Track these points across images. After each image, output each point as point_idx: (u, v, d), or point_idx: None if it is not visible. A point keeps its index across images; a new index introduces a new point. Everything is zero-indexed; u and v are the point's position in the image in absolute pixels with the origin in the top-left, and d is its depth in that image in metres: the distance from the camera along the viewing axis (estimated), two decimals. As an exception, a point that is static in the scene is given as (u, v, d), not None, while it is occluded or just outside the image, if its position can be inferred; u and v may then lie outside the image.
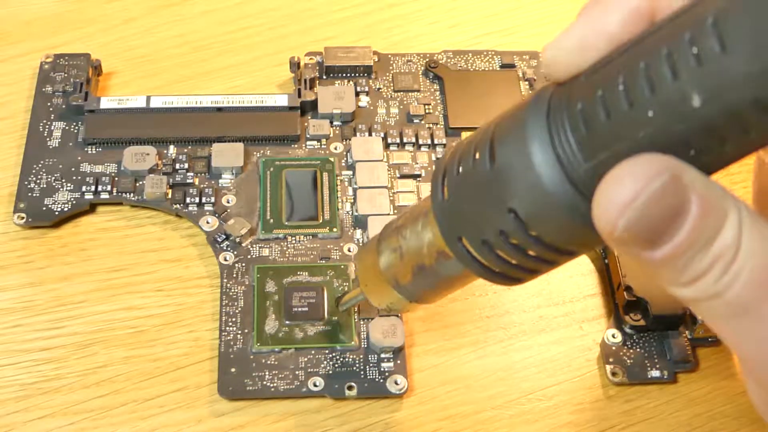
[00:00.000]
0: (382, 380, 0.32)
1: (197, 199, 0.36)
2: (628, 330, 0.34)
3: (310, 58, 0.41)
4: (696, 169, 0.17)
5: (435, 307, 0.35)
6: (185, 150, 0.38)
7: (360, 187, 0.37)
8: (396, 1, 0.45)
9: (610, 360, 0.33)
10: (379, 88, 0.41)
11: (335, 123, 0.39)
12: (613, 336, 0.34)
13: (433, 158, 0.38)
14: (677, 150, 0.17)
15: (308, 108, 0.39)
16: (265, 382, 0.32)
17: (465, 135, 0.39)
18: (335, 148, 0.38)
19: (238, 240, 0.35)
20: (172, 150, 0.38)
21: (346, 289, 0.34)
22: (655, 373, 0.33)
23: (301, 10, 0.44)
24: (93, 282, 0.34)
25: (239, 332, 0.33)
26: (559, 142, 0.18)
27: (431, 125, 0.39)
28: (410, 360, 0.33)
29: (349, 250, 0.35)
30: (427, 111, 0.40)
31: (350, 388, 0.32)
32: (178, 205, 0.36)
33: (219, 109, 0.39)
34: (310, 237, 0.35)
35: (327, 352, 0.33)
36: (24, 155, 0.37)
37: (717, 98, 0.16)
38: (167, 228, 0.36)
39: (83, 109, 0.38)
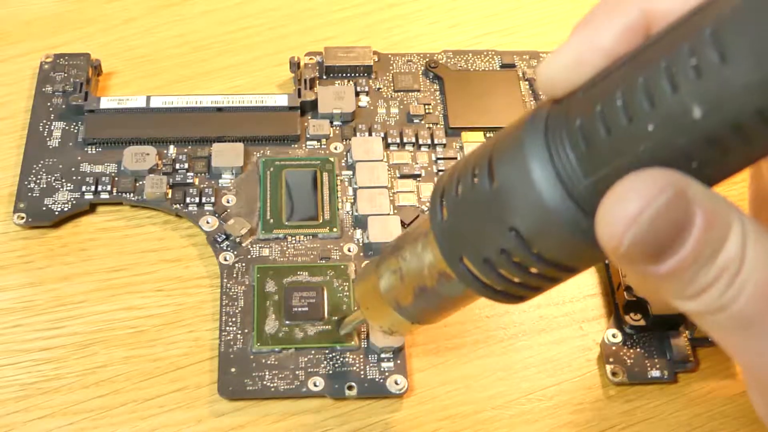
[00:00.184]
0: (382, 380, 0.32)
1: (197, 199, 0.36)
2: (628, 330, 0.34)
3: (310, 58, 0.41)
4: (699, 181, 0.17)
5: (435, 307, 0.35)
6: (185, 150, 0.38)
7: (360, 187, 0.37)
8: (396, 1, 0.45)
9: (610, 360, 0.33)
10: (379, 88, 0.41)
11: (335, 123, 0.39)
12: (613, 336, 0.34)
13: (433, 158, 0.38)
14: (679, 163, 0.17)
15: (308, 108, 0.39)
16: (265, 382, 0.32)
17: (465, 135, 0.39)
18: (335, 148, 0.38)
19: (238, 240, 0.35)
20: (172, 150, 0.38)
21: (347, 289, 0.34)
22: (655, 373, 0.33)
23: (301, 10, 0.44)
24: (93, 282, 0.34)
25: (239, 332, 0.33)
26: (558, 159, 0.18)
27: (431, 125, 0.39)
28: (410, 360, 0.33)
29: (349, 250, 0.35)
30: (427, 111, 0.40)
31: (350, 388, 0.32)
32: (178, 205, 0.36)
33: (219, 109, 0.39)
34: (310, 237, 0.35)
35: (327, 352, 0.33)
36: (24, 155, 0.37)
37: (718, 110, 0.15)
38: (167, 228, 0.36)
39: (83, 109, 0.38)
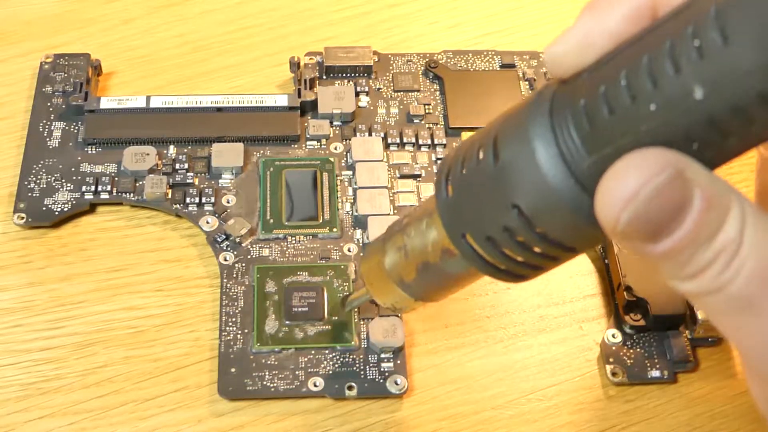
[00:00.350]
0: (382, 380, 0.32)
1: (197, 199, 0.36)
2: (628, 330, 0.34)
3: (310, 58, 0.41)
4: (699, 163, 0.17)
5: (435, 306, 0.35)
6: (185, 150, 0.38)
7: (360, 187, 0.37)
8: (396, 1, 0.45)
9: (610, 360, 0.33)
10: (379, 88, 0.41)
11: (335, 123, 0.39)
12: (613, 336, 0.34)
13: (433, 158, 0.38)
14: (680, 144, 0.17)
15: (308, 108, 0.39)
16: (265, 382, 0.32)
17: (465, 135, 0.39)
18: (335, 148, 0.38)
19: (238, 240, 0.35)
20: (172, 150, 0.38)
21: (346, 289, 0.34)
22: (655, 373, 0.33)
23: (301, 10, 0.44)
24: (93, 282, 0.34)
25: (239, 332, 0.33)
26: (562, 139, 0.18)
27: (431, 125, 0.39)
28: (410, 360, 0.33)
29: (349, 250, 0.35)
30: (427, 111, 0.40)
31: (350, 388, 0.32)
32: (178, 205, 0.36)
33: (219, 109, 0.39)
34: (310, 237, 0.35)
35: (327, 352, 0.33)
36: (24, 155, 0.37)
37: (719, 91, 0.16)
38: (167, 228, 0.36)
39: (83, 109, 0.38)
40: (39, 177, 0.37)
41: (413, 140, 0.39)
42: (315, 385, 0.32)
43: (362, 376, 0.32)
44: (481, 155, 0.20)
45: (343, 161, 0.38)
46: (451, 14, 0.45)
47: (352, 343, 0.33)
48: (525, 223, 0.20)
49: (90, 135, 0.38)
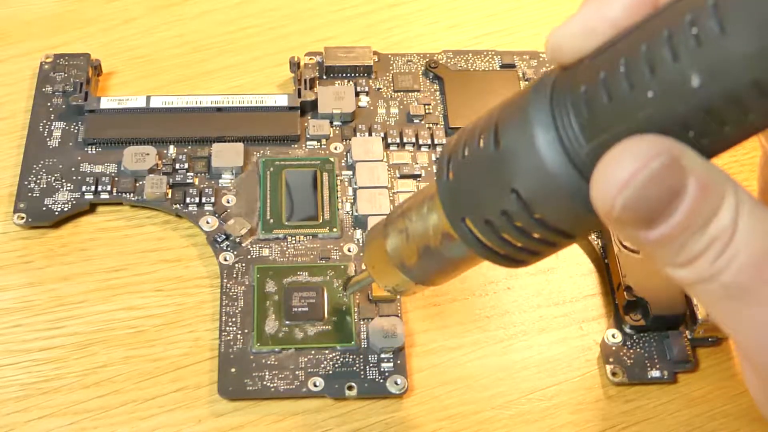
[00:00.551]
0: (382, 380, 0.32)
1: (197, 199, 0.36)
2: (628, 330, 0.34)
3: (310, 58, 0.41)
4: (695, 151, 0.17)
5: (435, 307, 0.35)
6: (185, 150, 0.38)
7: (360, 187, 0.37)
8: (396, 1, 0.45)
9: (610, 360, 0.33)
10: (379, 88, 0.41)
11: (335, 123, 0.39)
12: (613, 336, 0.34)
13: (433, 158, 0.38)
14: (677, 131, 0.17)
15: (308, 108, 0.39)
16: (265, 382, 0.32)
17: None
18: (335, 148, 0.38)
19: (238, 240, 0.35)
20: (172, 150, 0.38)
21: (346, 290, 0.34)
22: (655, 373, 0.33)
23: (301, 10, 0.44)
24: (93, 282, 0.34)
25: (239, 332, 0.33)
26: (561, 125, 0.19)
27: (431, 125, 0.39)
28: (410, 360, 0.33)
29: (349, 250, 0.35)
30: (427, 111, 0.40)
31: (350, 388, 0.32)
32: (178, 205, 0.36)
33: (219, 109, 0.39)
34: (310, 237, 0.35)
35: (327, 352, 0.33)
36: (24, 155, 0.37)
37: (715, 79, 0.16)
38: (167, 228, 0.36)
39: (83, 109, 0.38)
40: (39, 177, 0.37)
41: (413, 140, 0.39)
42: (315, 385, 0.32)
43: (362, 376, 0.32)
44: (482, 140, 0.21)
45: (343, 161, 0.38)
46: (451, 14, 0.45)
47: (352, 343, 0.33)
48: (523, 207, 0.20)
49: (90, 135, 0.38)
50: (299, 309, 0.33)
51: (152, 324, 0.34)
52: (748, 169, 0.39)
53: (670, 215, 0.17)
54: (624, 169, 0.17)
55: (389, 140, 0.39)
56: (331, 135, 0.39)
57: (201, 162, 0.37)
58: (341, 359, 0.32)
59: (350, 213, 0.36)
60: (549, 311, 0.35)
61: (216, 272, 0.35)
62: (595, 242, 0.36)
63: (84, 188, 0.36)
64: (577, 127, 0.18)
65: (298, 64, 0.40)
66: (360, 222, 0.36)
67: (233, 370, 0.32)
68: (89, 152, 0.37)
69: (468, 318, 0.35)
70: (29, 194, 0.36)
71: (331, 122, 0.39)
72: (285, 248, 0.35)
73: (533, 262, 0.22)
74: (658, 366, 0.33)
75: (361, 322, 0.33)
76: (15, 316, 0.33)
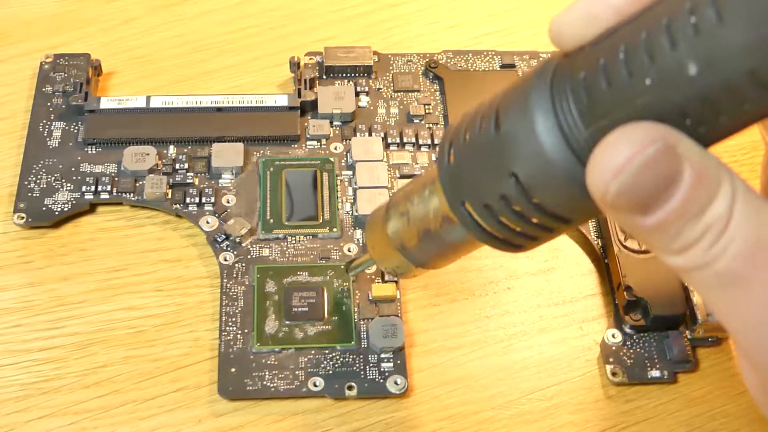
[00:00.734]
0: (382, 380, 0.32)
1: (197, 199, 0.36)
2: (628, 330, 0.34)
3: (310, 58, 0.41)
4: (691, 139, 0.17)
5: (435, 307, 0.35)
6: (185, 150, 0.38)
7: (360, 187, 0.37)
8: (396, 1, 0.45)
9: (610, 360, 0.33)
10: (379, 88, 0.41)
11: (335, 123, 0.39)
12: (613, 336, 0.34)
13: (433, 158, 0.38)
14: (673, 119, 0.17)
15: (308, 108, 0.39)
16: (265, 382, 0.32)
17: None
18: (335, 148, 0.38)
19: (238, 240, 0.35)
20: (172, 150, 0.38)
21: (346, 288, 0.34)
22: (655, 373, 0.33)
23: (301, 10, 0.44)
24: (93, 282, 0.34)
25: (239, 332, 0.33)
26: (561, 111, 0.19)
27: (431, 125, 0.39)
28: (410, 360, 0.33)
29: (349, 250, 0.35)
30: (427, 111, 0.40)
31: (350, 388, 0.32)
32: (178, 205, 0.36)
33: (219, 109, 0.39)
34: (310, 237, 0.35)
35: (327, 352, 0.33)
36: (24, 155, 0.37)
37: (712, 68, 0.16)
38: (167, 228, 0.36)
39: (83, 109, 0.38)
40: (39, 177, 0.37)
41: (413, 140, 0.39)
42: (315, 385, 0.32)
43: (362, 376, 0.32)
44: (483, 124, 0.21)
45: (343, 161, 0.38)
46: (451, 14, 0.45)
47: (352, 343, 0.33)
48: (522, 192, 0.20)
49: (90, 135, 0.38)
50: (299, 309, 0.33)
51: (152, 324, 0.34)
52: (747, 169, 0.39)
53: (666, 202, 0.17)
54: (619, 155, 0.17)
55: (389, 140, 0.39)
56: (331, 135, 0.39)
57: (201, 162, 0.37)
58: (341, 359, 0.32)
59: (350, 213, 0.36)
60: (549, 311, 0.35)
61: (216, 272, 0.35)
62: (595, 242, 0.36)
63: (84, 188, 0.36)
64: (576, 112, 0.18)
65: (298, 64, 0.40)
66: (360, 222, 0.36)
67: (233, 370, 0.32)
68: (89, 152, 0.37)
69: (468, 318, 0.35)
70: (29, 194, 0.36)
71: (331, 122, 0.39)
72: (285, 248, 0.35)
73: (531, 247, 0.22)
74: (658, 366, 0.33)
75: (361, 322, 0.33)
76: (15, 316, 0.33)
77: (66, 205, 0.36)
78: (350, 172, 0.37)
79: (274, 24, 0.44)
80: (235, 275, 0.34)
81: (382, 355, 0.33)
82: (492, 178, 0.21)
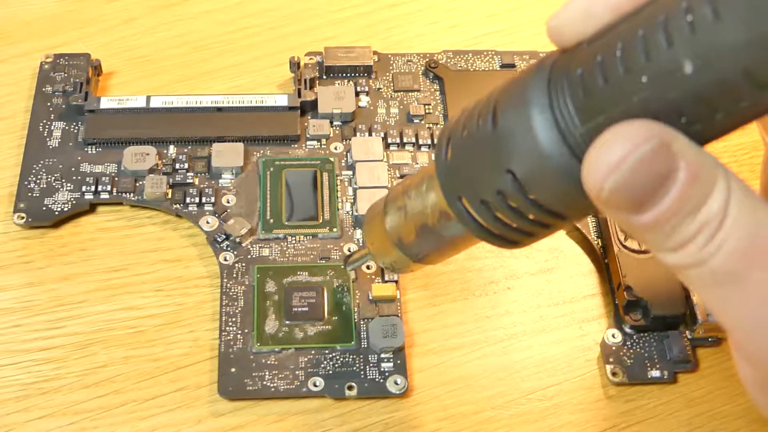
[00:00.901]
0: (382, 380, 0.32)
1: (197, 199, 0.36)
2: (628, 330, 0.34)
3: (310, 58, 0.41)
4: (687, 137, 0.17)
5: (435, 307, 0.35)
6: (185, 150, 0.38)
7: (360, 187, 0.37)
8: (396, 1, 0.45)
9: (610, 360, 0.33)
10: (379, 88, 0.41)
11: (335, 123, 0.39)
12: (613, 336, 0.34)
13: (433, 158, 0.38)
14: (669, 117, 0.17)
15: (308, 108, 0.39)
16: (265, 382, 0.32)
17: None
18: (335, 148, 0.38)
19: (238, 240, 0.35)
20: (172, 150, 0.38)
21: (346, 288, 0.34)
22: (655, 373, 0.33)
23: (301, 10, 0.44)
24: (93, 282, 0.34)
25: (239, 332, 0.33)
26: (558, 107, 0.19)
27: (431, 125, 0.39)
28: (410, 360, 0.33)
29: (349, 250, 0.35)
30: (427, 111, 0.40)
31: (350, 388, 0.32)
32: (178, 205, 0.36)
33: (219, 109, 0.39)
34: (310, 237, 0.35)
35: (327, 352, 0.33)
36: (24, 155, 0.37)
37: (708, 66, 0.16)
38: (167, 228, 0.36)
39: (83, 109, 0.38)
40: (39, 177, 0.37)
41: (413, 140, 0.39)
42: (315, 385, 0.32)
43: (362, 376, 0.32)
44: (480, 120, 0.21)
45: (343, 161, 0.38)
46: (451, 14, 0.45)
47: (352, 343, 0.33)
48: (518, 188, 0.20)
49: (90, 135, 0.38)
50: (299, 309, 0.33)
51: (152, 324, 0.34)
52: (747, 169, 0.39)
53: (661, 199, 0.17)
54: (614, 153, 0.17)
55: (389, 140, 0.39)
56: (331, 135, 0.39)
57: (201, 162, 0.37)
58: (341, 359, 0.32)
59: (350, 213, 0.36)
60: (549, 311, 0.35)
61: (216, 272, 0.35)
62: (595, 242, 0.36)
63: (84, 188, 0.36)
64: (572, 109, 0.18)
65: (298, 64, 0.40)
66: (360, 222, 0.36)
67: (233, 370, 0.32)
68: (89, 152, 0.37)
69: (468, 318, 0.35)
70: (29, 194, 0.36)
71: (331, 122, 0.39)
72: (285, 248, 0.35)
73: (528, 243, 0.22)
74: (658, 366, 0.33)
75: (361, 322, 0.33)
76: (15, 316, 0.33)
77: (66, 205, 0.36)
78: (350, 172, 0.37)
79: (274, 24, 0.44)
80: (235, 275, 0.34)
81: (382, 355, 0.33)
82: (488, 174, 0.21)
